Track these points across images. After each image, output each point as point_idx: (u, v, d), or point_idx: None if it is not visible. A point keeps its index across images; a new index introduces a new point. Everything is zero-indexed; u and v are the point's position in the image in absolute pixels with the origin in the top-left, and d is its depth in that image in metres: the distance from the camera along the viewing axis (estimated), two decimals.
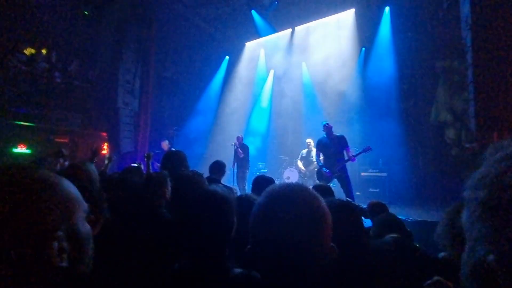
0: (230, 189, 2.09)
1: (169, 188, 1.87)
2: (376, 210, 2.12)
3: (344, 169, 5.19)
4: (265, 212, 0.75)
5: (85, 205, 0.60)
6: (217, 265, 1.05)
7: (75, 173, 1.62)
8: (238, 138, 6.95)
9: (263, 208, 0.76)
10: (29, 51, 6.93)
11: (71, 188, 0.59)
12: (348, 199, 4.31)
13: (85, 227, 0.59)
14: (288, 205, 0.73)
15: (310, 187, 0.84)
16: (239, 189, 6.54)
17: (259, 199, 0.80)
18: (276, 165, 8.85)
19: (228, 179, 7.07)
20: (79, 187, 0.63)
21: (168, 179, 1.92)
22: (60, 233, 0.52)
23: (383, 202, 2.21)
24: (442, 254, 1.59)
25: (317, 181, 5.45)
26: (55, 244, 0.51)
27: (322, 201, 0.78)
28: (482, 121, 5.07)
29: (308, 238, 0.70)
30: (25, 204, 0.50)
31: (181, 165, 2.59)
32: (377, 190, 6.77)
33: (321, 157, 5.47)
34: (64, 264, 0.52)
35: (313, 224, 0.72)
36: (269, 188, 0.80)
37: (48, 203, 0.52)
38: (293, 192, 0.76)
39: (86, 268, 0.59)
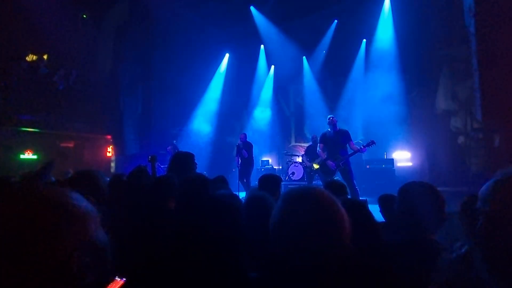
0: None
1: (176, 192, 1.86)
2: (388, 203, 2.08)
3: (347, 163, 5.18)
4: (284, 219, 0.78)
5: (95, 212, 0.58)
6: (233, 269, 1.04)
7: (79, 183, 1.61)
8: (241, 136, 6.93)
9: (282, 214, 0.78)
10: (30, 57, 6.96)
11: (80, 200, 0.57)
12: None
13: (101, 235, 0.57)
14: (306, 211, 0.75)
15: (320, 184, 0.84)
16: (243, 186, 6.53)
17: (277, 204, 0.82)
18: (280, 161, 8.84)
19: (233, 176, 7.10)
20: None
21: (176, 182, 1.91)
22: (78, 253, 0.50)
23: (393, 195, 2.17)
24: (458, 244, 1.60)
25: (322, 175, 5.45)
26: (75, 266, 0.49)
27: (339, 204, 0.79)
28: (487, 108, 5.02)
29: (327, 242, 0.72)
30: (38, 229, 0.48)
31: (187, 167, 2.59)
32: (383, 182, 6.73)
33: (324, 153, 5.45)
34: (90, 279, 0.51)
35: (332, 229, 0.74)
36: (287, 193, 0.83)
37: (62, 225, 0.50)
38: (311, 197, 0.78)
39: (108, 276, 0.58)
